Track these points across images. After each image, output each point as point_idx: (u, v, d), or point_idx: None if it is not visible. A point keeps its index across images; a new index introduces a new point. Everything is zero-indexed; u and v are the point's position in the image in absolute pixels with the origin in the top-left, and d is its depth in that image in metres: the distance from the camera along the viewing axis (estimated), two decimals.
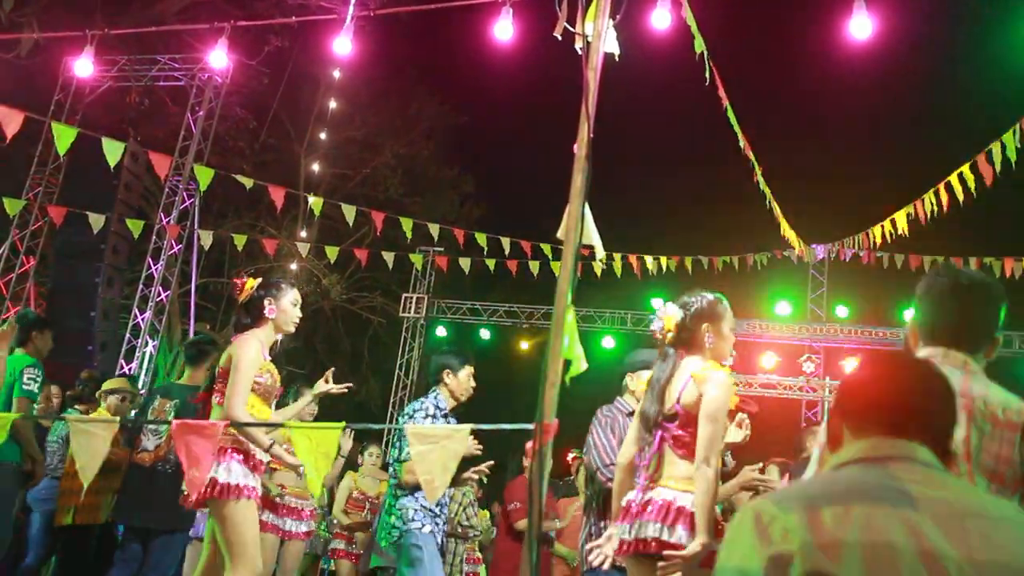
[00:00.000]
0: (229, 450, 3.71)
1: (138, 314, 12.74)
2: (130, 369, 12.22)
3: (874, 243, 13.47)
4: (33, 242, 13.88)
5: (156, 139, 16.04)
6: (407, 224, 11.31)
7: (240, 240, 11.56)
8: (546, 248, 12.60)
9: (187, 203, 13.07)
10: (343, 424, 3.88)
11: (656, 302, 14.27)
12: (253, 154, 16.85)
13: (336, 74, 17.26)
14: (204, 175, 8.75)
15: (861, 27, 5.98)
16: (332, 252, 11.69)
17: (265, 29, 16.30)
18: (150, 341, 12.59)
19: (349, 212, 10.41)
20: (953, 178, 9.25)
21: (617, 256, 13.13)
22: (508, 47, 6.20)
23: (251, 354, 3.80)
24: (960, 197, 9.19)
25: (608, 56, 3.09)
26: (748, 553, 1.24)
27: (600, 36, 3.10)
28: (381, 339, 20.36)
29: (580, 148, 3.13)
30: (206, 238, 11.04)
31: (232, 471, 3.68)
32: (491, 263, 13.06)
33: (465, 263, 12.95)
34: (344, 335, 20.85)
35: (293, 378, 7.00)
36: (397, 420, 7.37)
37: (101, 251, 12.72)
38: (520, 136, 24.13)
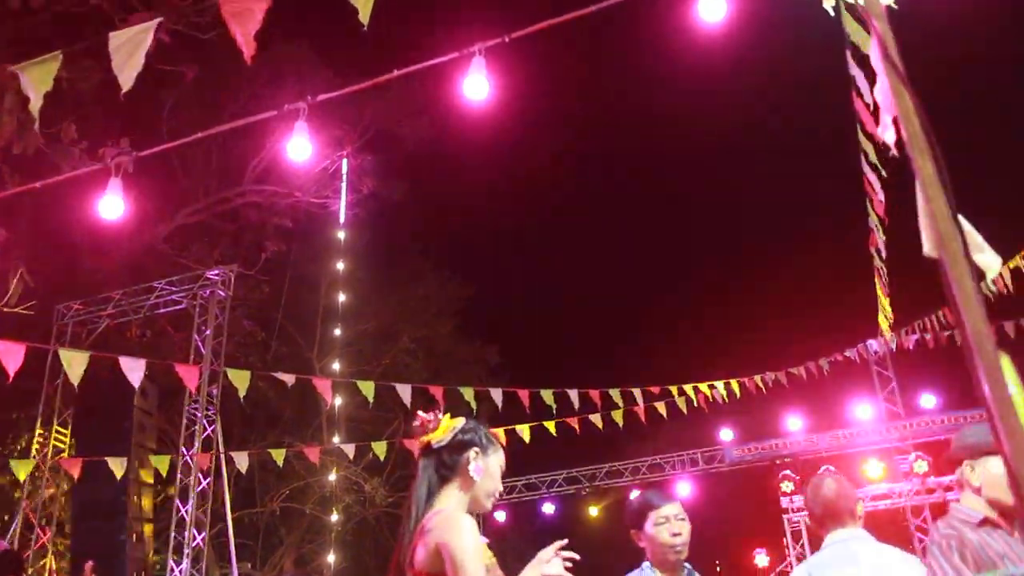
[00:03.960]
0: None
1: (174, 567, 11.26)
2: None
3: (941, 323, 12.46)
4: (46, 512, 12.70)
5: (163, 371, 15.08)
6: (403, 391, 10.03)
7: (279, 455, 10.30)
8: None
9: (208, 431, 11.87)
10: None
11: (725, 434, 12.83)
12: (265, 366, 15.80)
13: (340, 266, 16.56)
14: (241, 379, 7.65)
15: None
16: (379, 448, 10.39)
17: (261, 236, 15.73)
18: None
19: (367, 388, 9.27)
20: None
21: (683, 388, 11.95)
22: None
23: (472, 538, 2.37)
24: None
25: None
26: None
27: None
28: None
29: (909, 122, 1.90)
30: (241, 460, 9.79)
31: None
32: (550, 425, 11.78)
33: (523, 431, 11.64)
34: (393, 541, 19.13)
35: None
36: None
37: (123, 503, 11.50)
38: (533, 295, 23.44)
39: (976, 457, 2.81)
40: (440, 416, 2.71)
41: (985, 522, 2.67)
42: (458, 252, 21.09)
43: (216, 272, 12.86)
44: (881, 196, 5.39)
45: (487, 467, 2.62)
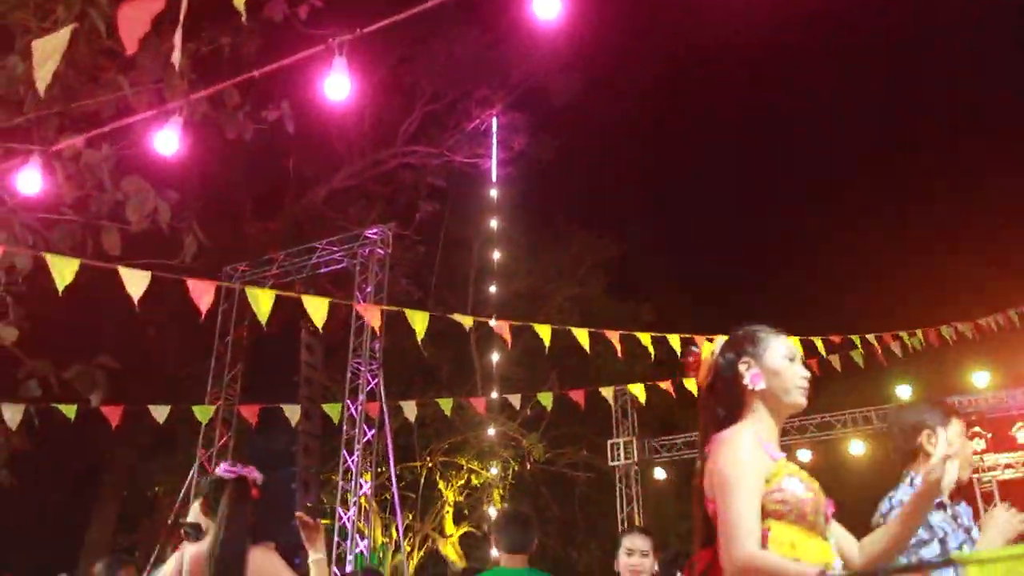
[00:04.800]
0: None
1: (342, 514, 11.58)
2: None
3: None
4: (220, 462, 13.31)
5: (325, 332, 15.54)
6: (581, 334, 9.83)
7: (446, 404, 10.40)
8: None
9: (372, 384, 12.10)
10: None
11: (902, 390, 11.98)
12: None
13: (493, 224, 16.56)
14: (420, 320, 7.70)
15: None
16: (545, 398, 10.32)
17: (416, 196, 15.93)
18: (360, 541, 11.34)
19: (544, 331, 9.14)
20: None
21: (866, 338, 11.23)
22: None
23: (740, 451, 2.18)
24: None
25: None
26: None
27: None
28: (591, 497, 18.56)
29: None
30: (409, 410, 9.94)
31: None
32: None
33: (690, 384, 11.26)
34: (550, 500, 19.17)
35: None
36: None
37: (293, 454, 11.94)
38: (684, 252, 22.87)
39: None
40: (698, 352, 2.46)
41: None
42: (608, 210, 20.72)
43: (374, 231, 13.05)
44: None
45: (766, 368, 2.34)
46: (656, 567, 4.03)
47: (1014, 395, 13.44)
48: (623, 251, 20.12)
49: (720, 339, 2.46)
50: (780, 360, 2.35)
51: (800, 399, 2.34)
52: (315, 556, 3.45)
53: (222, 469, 3.39)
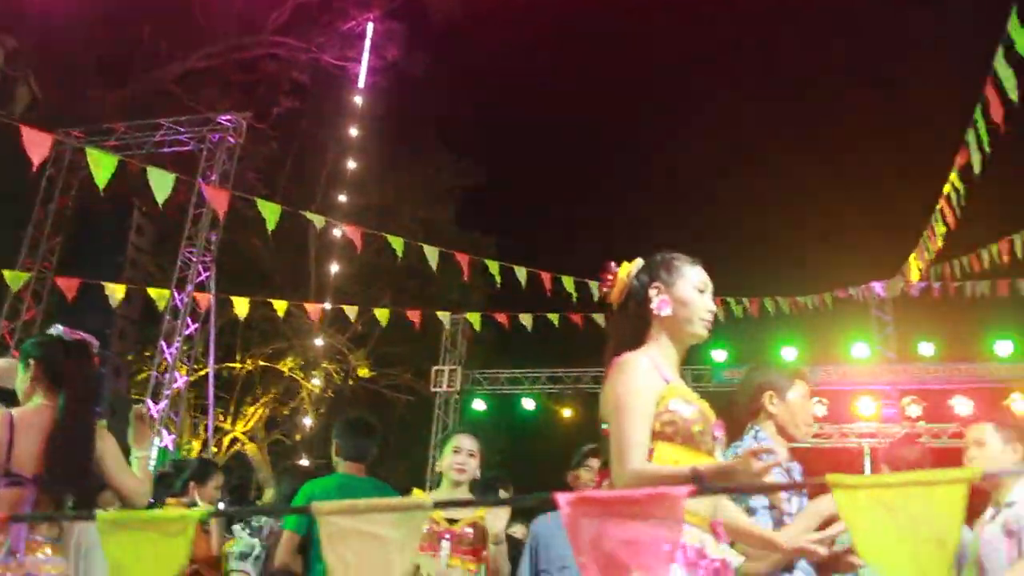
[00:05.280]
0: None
1: (152, 406, 11.13)
2: None
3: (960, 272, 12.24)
4: (25, 335, 12.46)
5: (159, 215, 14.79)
6: (432, 254, 9.91)
7: (280, 306, 10.08)
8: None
9: (203, 276, 11.61)
10: None
11: (718, 354, 12.66)
12: (263, 225, 15.35)
13: (353, 131, 16.04)
14: (271, 212, 7.36)
15: None
16: (382, 314, 10.21)
17: (275, 90, 15.20)
18: (166, 435, 10.97)
19: (397, 243, 9.08)
20: None
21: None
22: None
23: (636, 376, 2.24)
24: None
25: None
26: None
27: None
28: (409, 421, 18.71)
29: None
30: (241, 306, 9.57)
31: None
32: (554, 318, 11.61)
33: (524, 323, 11.46)
34: (371, 416, 19.14)
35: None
36: None
37: (107, 337, 11.34)
38: (540, 193, 23.00)
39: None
40: (615, 271, 2.45)
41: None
42: (471, 138, 20.49)
43: (228, 117, 12.41)
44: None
45: (674, 296, 2.39)
46: (477, 473, 4.07)
47: (817, 371, 14.43)
48: (479, 181, 20.05)
49: (637, 261, 2.48)
50: (690, 291, 2.40)
51: (702, 331, 2.39)
52: (139, 453, 3.24)
53: (62, 331, 3.11)
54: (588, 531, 1.71)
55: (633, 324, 2.40)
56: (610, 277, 2.47)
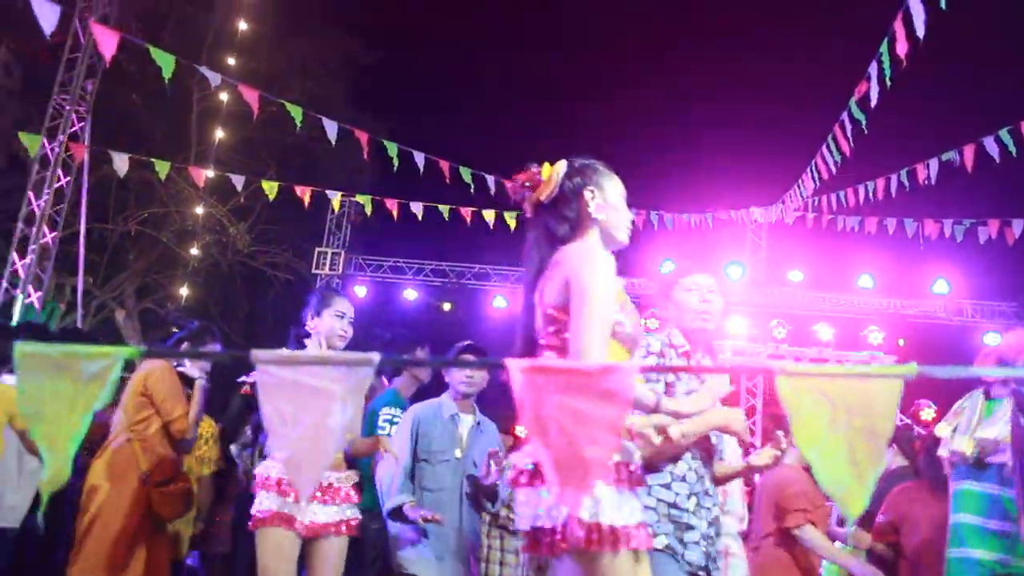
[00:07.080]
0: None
1: (17, 260, 10.49)
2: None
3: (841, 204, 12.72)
4: None
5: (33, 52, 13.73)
6: (330, 127, 9.62)
7: (163, 167, 9.51)
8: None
9: (76, 127, 10.84)
10: None
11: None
12: (145, 80, 14.44)
13: None
14: (166, 62, 6.84)
15: None
16: (269, 187, 9.82)
17: None
18: (32, 292, 10.39)
19: (296, 112, 8.74)
20: None
21: None
22: None
23: (604, 274, 2.22)
24: None
25: None
26: None
27: None
28: (286, 300, 18.34)
29: None
30: (121, 162, 8.99)
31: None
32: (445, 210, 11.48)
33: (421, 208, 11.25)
34: (243, 294, 18.67)
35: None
36: None
37: None
38: (443, 74, 22.40)
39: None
40: (538, 170, 2.44)
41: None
42: (374, 15, 19.63)
43: None
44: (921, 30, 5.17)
45: (608, 201, 2.44)
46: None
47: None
48: (376, 60, 19.32)
49: (561, 163, 2.45)
50: (619, 197, 2.47)
51: (625, 238, 2.47)
52: None
53: None
54: (537, 399, 1.70)
55: (570, 222, 2.40)
56: (536, 175, 2.43)
